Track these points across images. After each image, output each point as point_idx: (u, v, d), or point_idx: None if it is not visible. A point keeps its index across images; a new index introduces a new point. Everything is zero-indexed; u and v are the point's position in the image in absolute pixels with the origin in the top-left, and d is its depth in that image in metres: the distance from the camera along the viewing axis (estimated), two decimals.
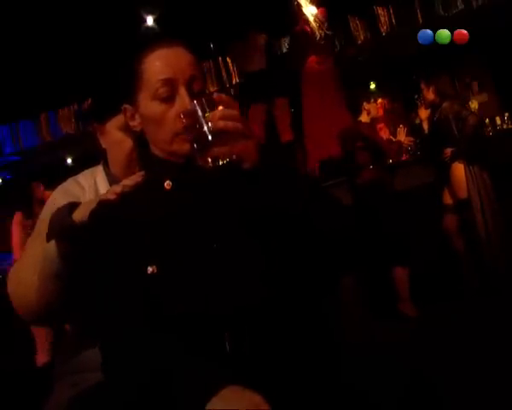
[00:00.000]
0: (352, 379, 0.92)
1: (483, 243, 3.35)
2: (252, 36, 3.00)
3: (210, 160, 0.88)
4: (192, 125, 0.88)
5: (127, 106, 1.04)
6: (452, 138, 3.39)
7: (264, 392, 0.77)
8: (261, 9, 4.57)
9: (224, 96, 0.93)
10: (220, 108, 0.89)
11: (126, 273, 0.92)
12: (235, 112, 0.89)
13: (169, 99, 0.96)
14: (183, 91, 0.96)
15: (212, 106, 0.88)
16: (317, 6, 4.08)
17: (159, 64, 0.97)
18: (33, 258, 1.22)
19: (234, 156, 0.88)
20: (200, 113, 0.88)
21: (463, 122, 3.36)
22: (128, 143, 1.33)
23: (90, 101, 5.71)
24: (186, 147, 0.95)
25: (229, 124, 0.87)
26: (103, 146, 1.40)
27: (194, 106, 0.88)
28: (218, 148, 0.87)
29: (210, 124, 0.86)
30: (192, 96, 0.95)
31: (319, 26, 3.99)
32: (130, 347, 0.87)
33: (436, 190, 3.63)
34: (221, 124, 0.86)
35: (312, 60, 4.24)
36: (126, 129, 1.30)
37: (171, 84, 0.96)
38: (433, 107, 3.56)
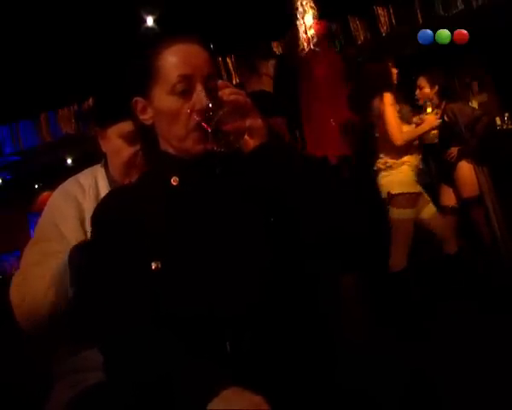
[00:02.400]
0: (352, 379, 0.92)
1: (497, 240, 3.36)
2: (259, 63, 3.00)
3: (224, 141, 0.91)
4: (202, 113, 0.94)
5: (139, 98, 1.03)
6: (460, 138, 3.39)
7: (265, 392, 0.77)
8: (260, 9, 4.57)
9: (225, 82, 0.97)
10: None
11: (131, 270, 0.92)
12: (241, 91, 0.94)
13: (186, 95, 0.97)
14: (200, 88, 0.97)
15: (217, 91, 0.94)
16: (317, 19, 4.04)
17: (177, 60, 0.98)
18: (47, 271, 1.21)
19: (246, 135, 0.92)
20: (207, 99, 0.93)
21: (477, 122, 3.37)
22: (126, 151, 1.33)
23: (90, 101, 5.72)
24: (199, 146, 0.97)
25: (240, 97, 0.92)
26: (103, 150, 1.41)
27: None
28: (231, 123, 0.90)
29: (220, 102, 0.91)
30: (208, 92, 0.96)
31: (308, 40, 3.97)
32: (131, 346, 0.87)
33: (435, 191, 3.63)
34: (233, 97, 0.91)
35: (307, 68, 4.23)
36: (126, 137, 1.31)
37: (189, 80, 0.97)
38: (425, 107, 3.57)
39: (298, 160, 0.96)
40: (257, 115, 0.94)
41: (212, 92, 0.96)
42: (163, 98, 0.99)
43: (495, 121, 5.04)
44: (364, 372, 0.94)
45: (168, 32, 1.03)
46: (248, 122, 0.92)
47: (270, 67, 2.80)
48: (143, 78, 1.01)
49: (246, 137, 0.92)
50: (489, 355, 2.15)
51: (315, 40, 3.84)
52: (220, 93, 0.92)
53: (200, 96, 0.96)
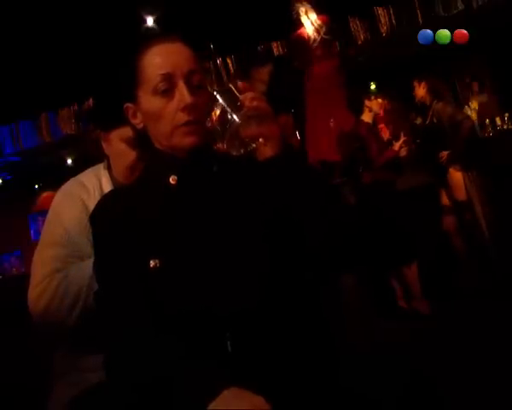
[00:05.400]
0: (352, 379, 0.92)
1: (487, 242, 3.39)
2: (255, 70, 3.00)
3: (239, 145, 0.90)
4: (221, 115, 0.92)
5: (129, 104, 1.04)
6: (447, 142, 3.43)
7: (266, 393, 0.77)
8: (260, 10, 4.57)
9: (246, 84, 0.96)
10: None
11: (130, 269, 0.92)
12: (262, 96, 0.93)
13: (168, 93, 0.97)
14: (181, 85, 0.97)
15: (236, 95, 0.92)
16: (318, 13, 4.07)
17: (157, 59, 0.99)
18: (59, 277, 1.22)
19: (261, 139, 0.91)
20: (224, 102, 0.92)
21: (458, 126, 3.40)
22: (130, 155, 1.31)
23: (90, 102, 5.71)
24: (187, 140, 0.97)
25: (262, 104, 0.92)
26: (106, 153, 1.40)
27: (217, 97, 0.92)
28: (249, 129, 0.90)
29: (240, 108, 0.90)
30: (191, 89, 0.97)
31: (317, 31, 3.98)
32: (131, 346, 0.87)
33: (436, 191, 3.65)
34: (255, 103, 0.90)
35: (313, 68, 4.23)
36: (129, 141, 1.30)
37: (169, 78, 0.97)
38: (423, 108, 3.60)
39: (307, 171, 0.97)
40: (275, 123, 0.93)
41: (195, 88, 0.97)
42: (147, 100, 0.99)
43: (480, 124, 5.12)
44: (364, 373, 0.94)
45: (160, 31, 1.03)
46: (266, 130, 0.92)
47: (265, 73, 2.81)
48: (130, 80, 1.02)
49: (260, 140, 0.92)
50: (489, 355, 2.15)
51: (324, 29, 3.85)
52: (242, 97, 0.91)
53: (182, 92, 0.96)
